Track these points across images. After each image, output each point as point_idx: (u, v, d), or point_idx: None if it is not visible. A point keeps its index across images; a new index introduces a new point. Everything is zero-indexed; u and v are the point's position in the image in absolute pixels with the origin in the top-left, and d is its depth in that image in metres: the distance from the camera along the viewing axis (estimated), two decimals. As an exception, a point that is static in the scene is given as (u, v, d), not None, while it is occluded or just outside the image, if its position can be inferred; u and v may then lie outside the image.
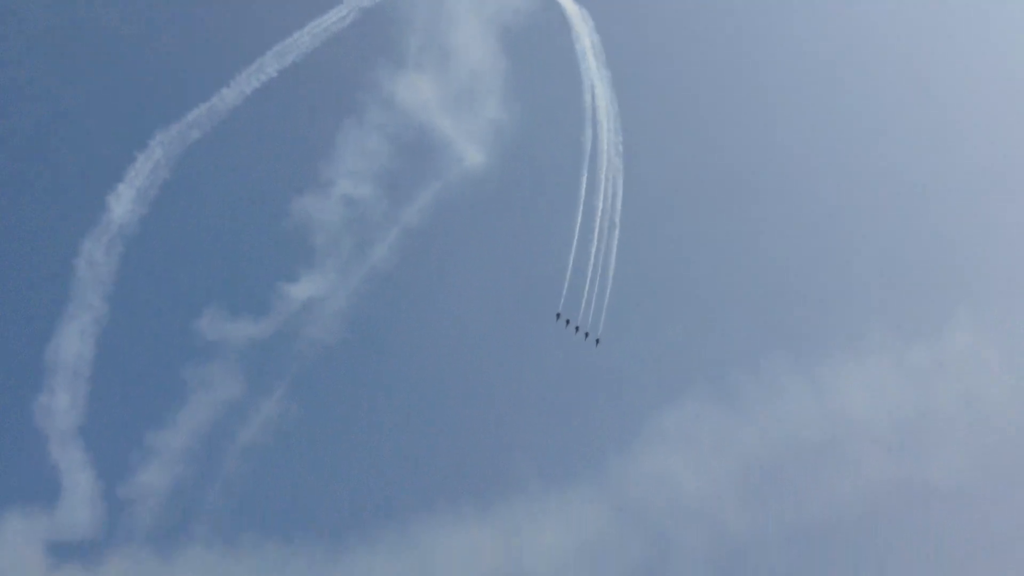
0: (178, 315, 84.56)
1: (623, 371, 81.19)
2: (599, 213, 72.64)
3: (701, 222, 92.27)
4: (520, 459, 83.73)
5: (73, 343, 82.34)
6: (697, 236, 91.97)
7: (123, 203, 78.61)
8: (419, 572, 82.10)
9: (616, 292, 71.49)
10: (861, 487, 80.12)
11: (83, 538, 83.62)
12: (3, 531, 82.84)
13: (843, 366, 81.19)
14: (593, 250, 72.18)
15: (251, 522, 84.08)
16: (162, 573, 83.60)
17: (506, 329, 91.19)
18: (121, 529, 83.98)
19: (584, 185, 73.44)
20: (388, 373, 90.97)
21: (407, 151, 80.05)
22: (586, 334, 71.14)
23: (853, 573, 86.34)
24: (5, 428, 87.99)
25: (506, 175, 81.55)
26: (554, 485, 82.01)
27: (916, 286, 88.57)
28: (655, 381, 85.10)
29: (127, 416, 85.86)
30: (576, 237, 73.21)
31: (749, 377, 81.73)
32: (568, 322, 71.01)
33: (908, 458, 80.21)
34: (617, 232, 73.22)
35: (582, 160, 73.69)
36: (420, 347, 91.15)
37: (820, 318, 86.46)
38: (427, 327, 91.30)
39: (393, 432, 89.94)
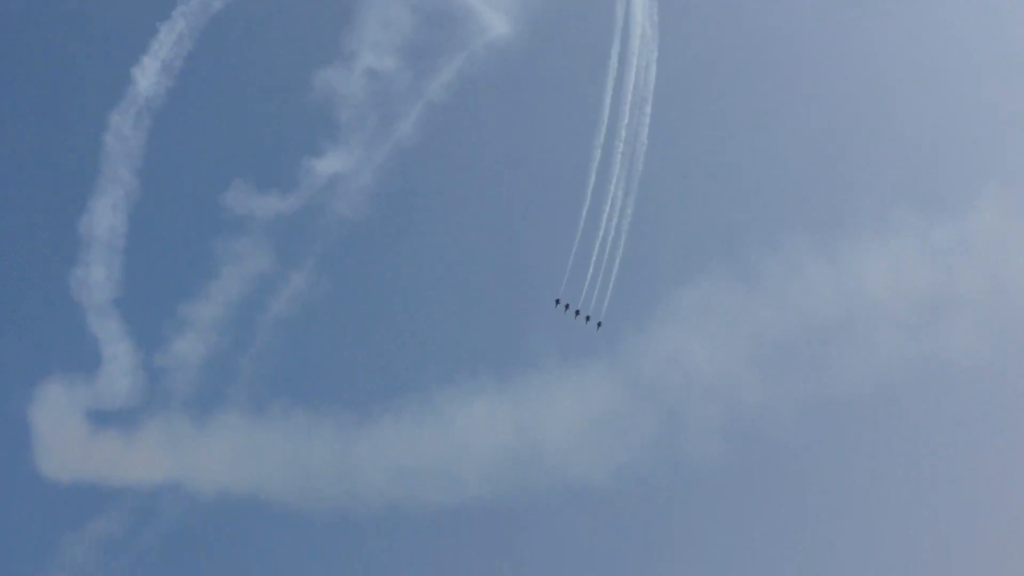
0: (206, 189, 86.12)
1: (640, 249, 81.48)
2: (631, 86, 71.94)
3: (728, 95, 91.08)
4: (538, 335, 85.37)
5: (105, 217, 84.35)
6: (722, 110, 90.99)
7: (148, 76, 79.09)
8: (440, 441, 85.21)
9: (644, 164, 71.51)
10: (878, 366, 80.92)
11: (121, 406, 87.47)
12: (46, 399, 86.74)
13: (864, 244, 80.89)
14: (624, 123, 71.78)
15: (281, 391, 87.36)
16: (196, 438, 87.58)
17: (529, 205, 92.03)
18: (158, 397, 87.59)
19: (615, 56, 72.57)
20: (412, 249, 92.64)
21: (431, 21, 79.28)
22: (587, 318, 70.63)
23: (867, 452, 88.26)
24: (44, 301, 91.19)
25: (533, 46, 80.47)
26: (570, 361, 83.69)
27: (941, 163, 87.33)
28: (671, 259, 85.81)
29: (160, 288, 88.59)
30: (607, 110, 72.85)
31: (767, 255, 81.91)
32: (567, 307, 70.37)
33: (927, 338, 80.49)
34: (649, 106, 72.62)
35: (613, 31, 72.60)
36: (444, 223, 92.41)
37: (842, 195, 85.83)
38: (452, 202, 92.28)
39: (416, 307, 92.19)
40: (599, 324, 69.47)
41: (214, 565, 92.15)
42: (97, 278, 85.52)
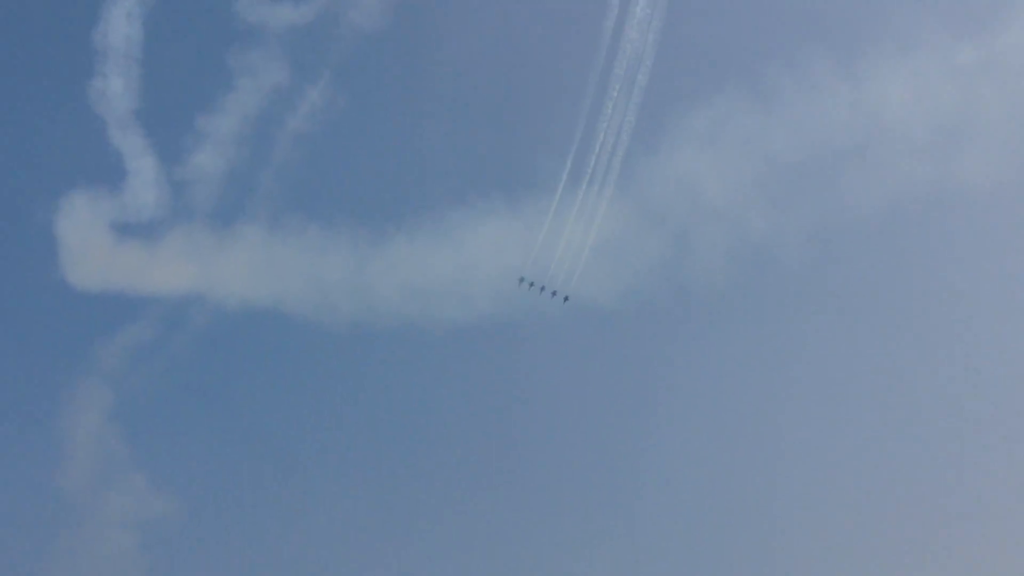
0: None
1: (652, 68, 79.81)
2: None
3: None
4: (549, 157, 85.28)
5: (120, 26, 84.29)
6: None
7: None
8: (451, 260, 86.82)
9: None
10: (892, 191, 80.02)
11: (145, 218, 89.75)
12: (71, 211, 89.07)
13: (886, 64, 78.55)
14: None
15: (298, 206, 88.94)
16: (217, 251, 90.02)
17: (550, 19, 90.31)
18: (180, 209, 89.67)
19: None
20: (428, 64, 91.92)
21: None
22: (553, 293, 68.65)
23: (878, 278, 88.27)
24: (65, 112, 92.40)
25: None
26: (579, 184, 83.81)
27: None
28: (685, 77, 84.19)
29: (178, 100, 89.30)
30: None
31: (784, 73, 79.95)
32: (532, 284, 68.36)
33: (945, 162, 79.07)
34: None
35: None
36: (462, 35, 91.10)
37: (864, 11, 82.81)
38: (470, 13, 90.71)
39: (430, 125, 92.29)
40: (565, 298, 68.36)
41: (238, 374, 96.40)
42: (116, 89, 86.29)
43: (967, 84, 78.18)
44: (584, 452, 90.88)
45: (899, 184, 79.65)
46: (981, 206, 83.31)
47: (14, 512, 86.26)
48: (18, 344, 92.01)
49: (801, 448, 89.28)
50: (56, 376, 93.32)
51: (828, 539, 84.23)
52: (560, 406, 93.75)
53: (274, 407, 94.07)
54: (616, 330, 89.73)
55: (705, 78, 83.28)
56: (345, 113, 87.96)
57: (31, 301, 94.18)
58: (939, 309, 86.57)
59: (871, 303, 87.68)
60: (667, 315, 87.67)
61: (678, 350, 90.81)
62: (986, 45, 77.67)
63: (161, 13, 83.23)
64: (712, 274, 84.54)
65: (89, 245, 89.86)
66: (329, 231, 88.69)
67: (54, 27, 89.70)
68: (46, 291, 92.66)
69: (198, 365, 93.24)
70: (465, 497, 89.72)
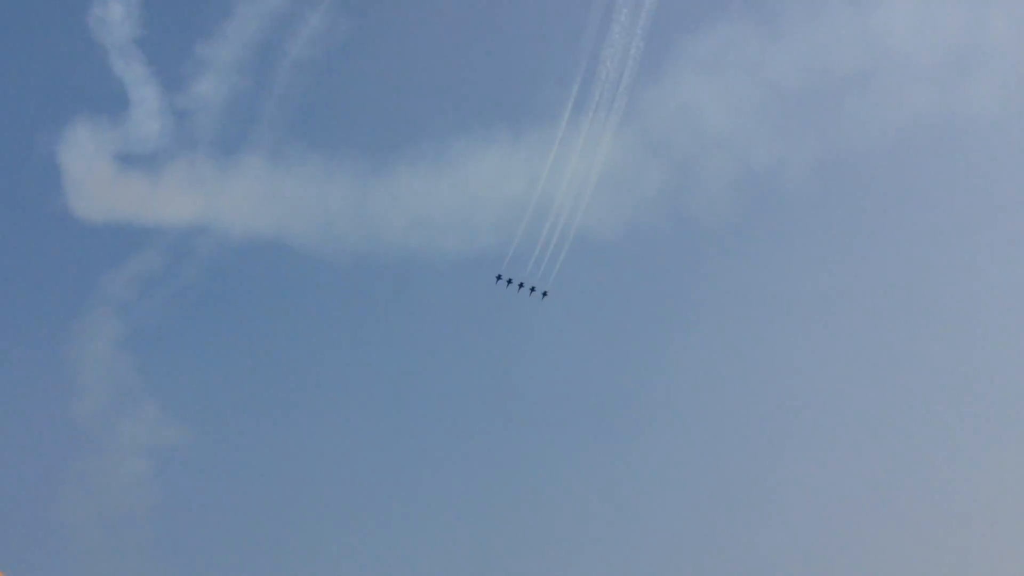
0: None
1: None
2: None
3: None
4: (552, 87, 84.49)
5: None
6: None
7: None
8: (454, 191, 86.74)
9: None
10: (898, 120, 79.34)
11: (148, 148, 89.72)
12: (74, 142, 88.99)
13: (893, -12, 77.32)
14: None
15: (299, 135, 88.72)
16: (220, 181, 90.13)
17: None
18: (182, 139, 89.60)
19: None
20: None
21: None
22: (531, 289, 67.43)
23: (883, 208, 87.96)
24: (66, 42, 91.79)
25: None
26: (583, 115, 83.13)
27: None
28: (689, 4, 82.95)
29: (178, 27, 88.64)
30: None
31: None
32: (510, 282, 67.11)
33: (953, 90, 78.13)
34: None
35: None
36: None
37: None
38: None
39: (434, 53, 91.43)
40: (544, 294, 67.51)
41: (244, 304, 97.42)
42: (115, 17, 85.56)
43: (975, 9, 76.88)
44: (587, 382, 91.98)
45: (905, 112, 78.89)
46: (988, 134, 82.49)
47: (30, 440, 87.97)
48: (27, 275, 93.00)
49: (804, 379, 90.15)
50: (65, 307, 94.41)
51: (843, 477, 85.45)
52: (563, 338, 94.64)
53: (279, 337, 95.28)
54: (620, 262, 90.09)
55: (710, 4, 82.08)
56: (347, 40, 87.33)
57: (37, 233, 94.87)
58: (945, 240, 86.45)
59: (876, 233, 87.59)
60: (670, 247, 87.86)
61: (681, 282, 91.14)
62: (995, -31, 76.22)
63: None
64: (716, 204, 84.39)
65: (93, 176, 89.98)
66: (331, 160, 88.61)
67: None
68: (52, 223, 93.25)
69: (204, 295, 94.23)
70: (466, 424, 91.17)
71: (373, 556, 76.56)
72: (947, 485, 78.66)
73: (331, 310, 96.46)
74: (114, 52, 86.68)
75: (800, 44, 78.69)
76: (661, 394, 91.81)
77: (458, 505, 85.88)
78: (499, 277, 63.26)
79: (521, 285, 62.20)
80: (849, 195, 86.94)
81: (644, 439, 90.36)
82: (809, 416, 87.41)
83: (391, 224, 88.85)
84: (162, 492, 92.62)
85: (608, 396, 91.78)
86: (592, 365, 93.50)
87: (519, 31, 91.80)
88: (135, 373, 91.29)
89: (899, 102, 78.46)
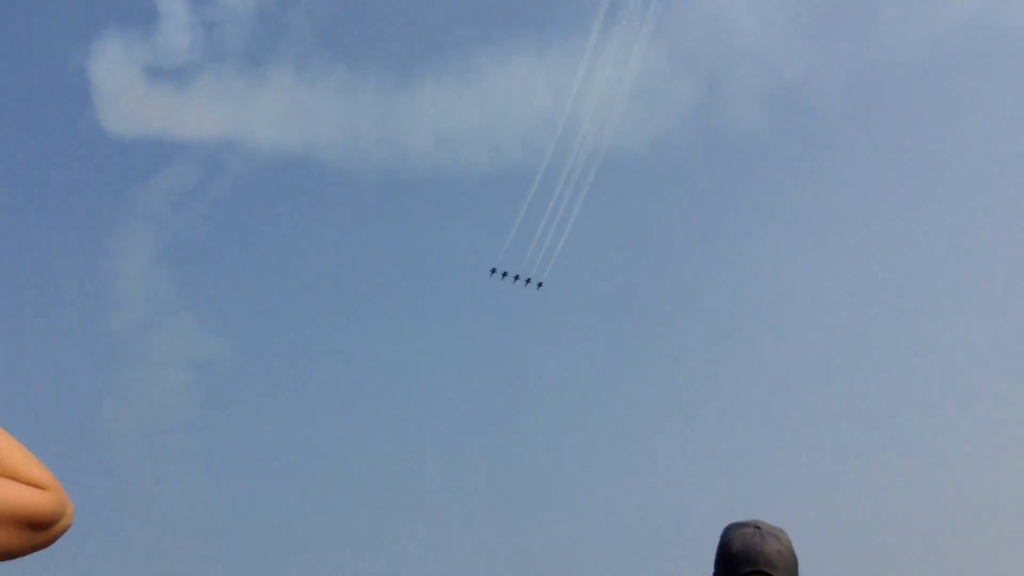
0: None
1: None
2: None
3: None
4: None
5: None
6: None
7: None
8: (479, 104, 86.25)
9: None
10: (934, 30, 77.17)
11: (178, 62, 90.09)
12: (104, 56, 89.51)
13: None
14: None
15: (325, 46, 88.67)
16: (246, 94, 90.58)
17: None
18: (211, 52, 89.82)
19: None
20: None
21: None
22: (527, 280, 65.59)
23: (917, 122, 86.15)
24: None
25: None
26: (611, 25, 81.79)
27: None
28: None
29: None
30: None
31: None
32: (505, 275, 65.22)
33: (990, 0, 75.73)
34: None
35: None
36: None
37: None
38: None
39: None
40: (539, 284, 66.14)
41: (275, 219, 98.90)
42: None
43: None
44: (614, 298, 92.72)
45: (943, 21, 76.69)
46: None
47: (71, 353, 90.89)
48: (61, 191, 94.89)
49: (833, 286, 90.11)
50: (100, 222, 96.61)
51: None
52: (590, 254, 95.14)
53: (310, 251, 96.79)
54: (647, 181, 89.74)
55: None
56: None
57: (70, 148, 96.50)
58: (982, 152, 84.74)
59: (912, 145, 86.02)
60: (699, 163, 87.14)
61: (710, 198, 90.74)
62: None
63: None
64: (745, 118, 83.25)
65: (123, 90, 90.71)
66: (356, 72, 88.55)
67: None
68: (84, 137, 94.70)
69: (236, 210, 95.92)
70: (486, 337, 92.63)
71: (401, 459, 78.75)
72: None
73: (359, 225, 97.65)
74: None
75: (835, -50, 76.34)
76: (680, 308, 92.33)
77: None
78: (493, 271, 63.04)
79: (516, 277, 62.11)
80: (883, 109, 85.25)
81: (653, 351, 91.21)
82: (844, 341, 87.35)
83: (417, 140, 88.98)
84: (201, 403, 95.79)
85: (630, 308, 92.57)
86: (619, 279, 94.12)
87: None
88: (171, 287, 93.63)
89: (936, 11, 76.20)
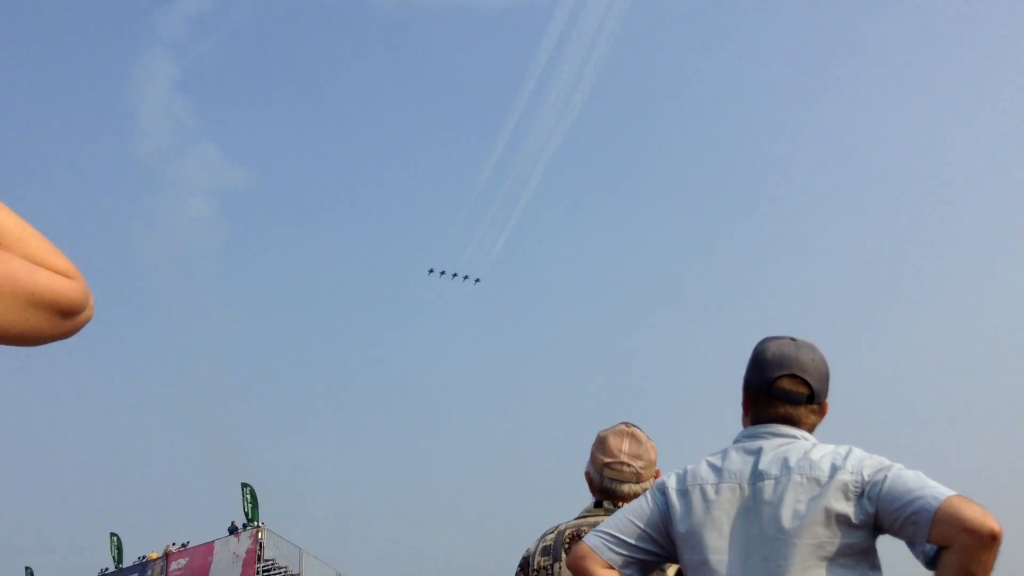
0: None
1: None
2: None
3: None
4: None
5: None
6: None
7: None
8: None
9: None
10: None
11: None
12: None
13: None
14: None
15: None
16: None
17: None
18: None
19: None
20: None
21: None
22: (465, 277, 61.78)
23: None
24: None
25: None
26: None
27: None
28: None
29: None
30: None
31: None
32: (443, 273, 61.29)
33: None
34: None
35: None
36: None
37: None
38: None
39: None
40: (477, 280, 63.98)
41: (292, 48, 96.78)
42: None
43: None
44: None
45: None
46: None
47: (97, 181, 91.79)
48: (81, 19, 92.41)
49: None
50: (120, 49, 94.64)
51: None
52: (609, 84, 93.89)
53: (330, 80, 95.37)
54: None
55: None
56: None
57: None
58: None
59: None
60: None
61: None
62: None
63: None
64: None
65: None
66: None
67: None
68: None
69: (254, 38, 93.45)
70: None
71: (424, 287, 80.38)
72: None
73: (377, 55, 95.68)
74: None
75: None
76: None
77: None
78: (431, 271, 63.44)
79: (455, 275, 62.78)
80: None
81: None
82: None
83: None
84: (227, 231, 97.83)
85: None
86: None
87: None
88: (194, 114, 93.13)
89: None
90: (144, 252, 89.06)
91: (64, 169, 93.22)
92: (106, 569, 43.64)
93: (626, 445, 2.98)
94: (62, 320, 1.10)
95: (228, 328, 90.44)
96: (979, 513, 1.99)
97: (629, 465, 2.95)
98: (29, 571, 50.05)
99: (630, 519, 2.40)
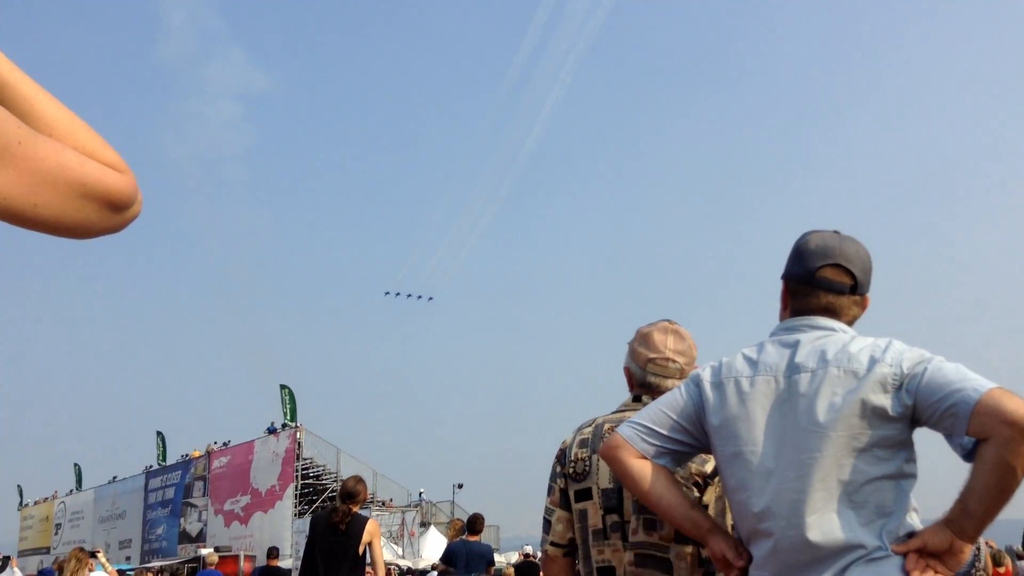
0: None
1: None
2: None
3: None
4: None
5: None
6: None
7: None
8: None
9: None
10: None
11: None
12: None
13: None
14: None
15: None
16: None
17: None
18: None
19: None
20: None
21: None
22: (418, 297, 60.91)
23: None
24: None
25: None
26: None
27: None
28: None
29: None
30: None
31: None
32: (398, 294, 60.52)
33: None
34: None
35: None
36: None
37: None
38: None
39: None
40: (430, 298, 63.16)
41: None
42: None
43: None
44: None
45: None
46: None
47: (125, 84, 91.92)
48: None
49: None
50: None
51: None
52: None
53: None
54: None
55: None
56: None
57: None
58: None
59: None
60: None
61: None
62: None
63: None
64: None
65: None
66: None
67: None
68: None
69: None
70: None
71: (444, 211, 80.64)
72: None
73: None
74: None
75: None
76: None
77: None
78: (387, 292, 63.55)
79: (409, 295, 62.99)
80: None
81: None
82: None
83: None
84: (254, 133, 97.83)
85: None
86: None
87: None
88: (219, 17, 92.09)
89: None
90: (173, 157, 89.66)
91: (88, 73, 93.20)
92: (151, 466, 45.41)
93: (671, 341, 2.96)
94: (112, 213, 1.07)
95: (259, 231, 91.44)
96: (1020, 405, 1.95)
97: (674, 361, 2.93)
98: (77, 468, 52.26)
99: (663, 411, 2.39)
